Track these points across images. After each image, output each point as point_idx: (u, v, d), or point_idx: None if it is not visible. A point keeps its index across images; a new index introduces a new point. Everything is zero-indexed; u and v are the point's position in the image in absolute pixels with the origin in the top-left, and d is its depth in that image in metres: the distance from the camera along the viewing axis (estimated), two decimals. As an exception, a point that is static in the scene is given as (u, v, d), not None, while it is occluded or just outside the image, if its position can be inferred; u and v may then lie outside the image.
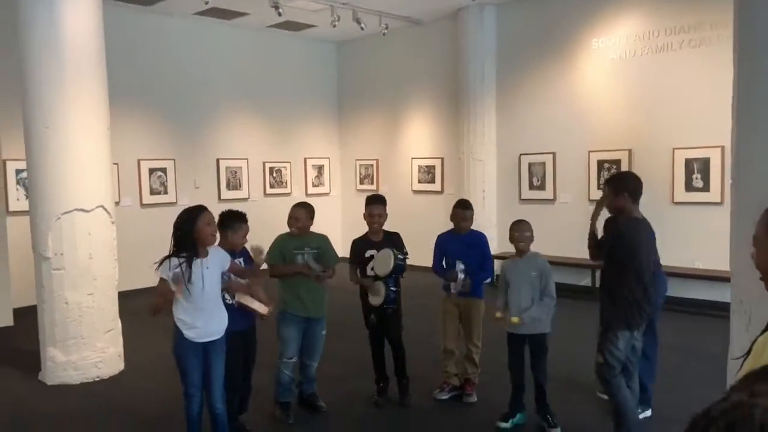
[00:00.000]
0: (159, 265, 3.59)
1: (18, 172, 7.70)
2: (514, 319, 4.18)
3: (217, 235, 3.82)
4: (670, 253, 7.63)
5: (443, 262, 4.89)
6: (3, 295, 7.07)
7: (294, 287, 4.48)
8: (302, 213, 4.53)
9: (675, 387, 4.90)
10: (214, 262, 3.70)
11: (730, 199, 2.28)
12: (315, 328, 4.61)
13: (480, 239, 4.94)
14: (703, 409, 0.66)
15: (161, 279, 3.58)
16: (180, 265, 3.52)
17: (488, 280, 5.03)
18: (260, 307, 4.06)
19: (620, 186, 4.04)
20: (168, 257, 3.60)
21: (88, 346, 5.41)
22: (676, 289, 7.56)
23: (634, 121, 8.06)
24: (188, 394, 3.73)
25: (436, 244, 4.98)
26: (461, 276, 4.66)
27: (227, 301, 3.93)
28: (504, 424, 4.36)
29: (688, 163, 7.58)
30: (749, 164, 1.94)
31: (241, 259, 4.12)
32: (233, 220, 4.11)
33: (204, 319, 3.64)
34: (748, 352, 1.47)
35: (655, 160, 7.84)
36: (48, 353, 5.38)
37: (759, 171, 1.87)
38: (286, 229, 4.66)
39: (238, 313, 3.98)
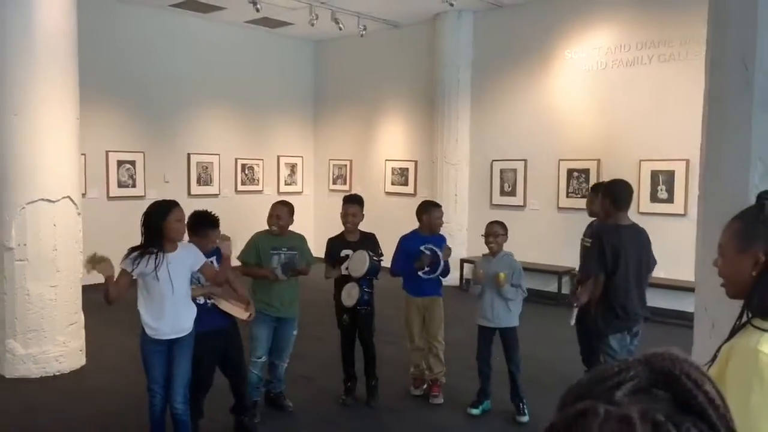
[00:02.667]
0: (126, 256, 3.54)
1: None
2: (501, 275, 4.39)
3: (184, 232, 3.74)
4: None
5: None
6: (-40, 286, 6.85)
7: (266, 287, 4.45)
8: (284, 211, 4.50)
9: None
10: (183, 258, 3.64)
11: (697, 209, 2.37)
12: (286, 329, 4.59)
13: (442, 240, 5.00)
14: (556, 426, 0.68)
15: (122, 269, 3.53)
16: (141, 254, 3.48)
17: (446, 277, 5.08)
18: (240, 314, 4.02)
19: (606, 192, 4.19)
20: (134, 249, 3.55)
21: (49, 340, 5.29)
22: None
23: (604, 131, 8.23)
24: (150, 390, 3.69)
25: (399, 244, 5.00)
26: (434, 252, 4.73)
27: (198, 301, 3.87)
28: (475, 411, 4.63)
29: (654, 174, 7.78)
30: (716, 176, 2.02)
31: (213, 258, 4.00)
32: (203, 226, 3.97)
33: (166, 316, 3.58)
34: (713, 359, 1.53)
35: (622, 170, 7.99)
36: (7, 345, 5.24)
37: (725, 183, 1.94)
38: (257, 227, 4.64)
39: (210, 312, 3.93)
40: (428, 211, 4.98)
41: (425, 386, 5.03)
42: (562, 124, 8.64)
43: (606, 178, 8.11)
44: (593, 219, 5.04)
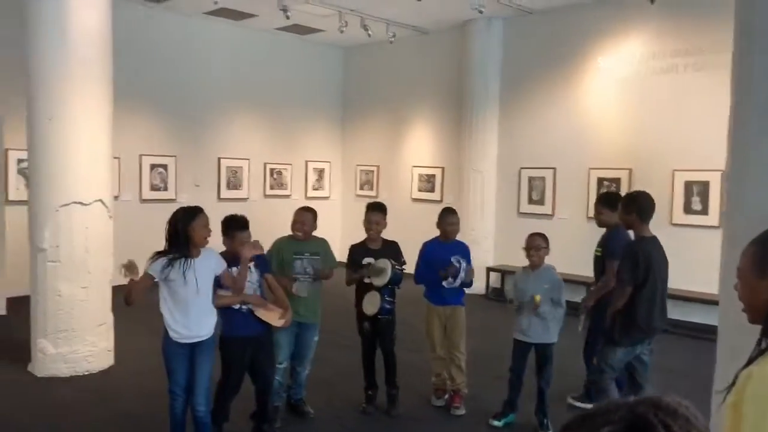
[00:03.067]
0: (152, 260, 3.61)
1: (19, 161, 7.71)
2: (537, 297, 4.33)
3: (208, 238, 3.75)
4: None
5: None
6: (-3, 284, 7.07)
7: (285, 293, 4.42)
8: (309, 217, 4.53)
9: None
10: (206, 263, 3.69)
11: (722, 227, 2.30)
12: (307, 334, 4.60)
13: (465, 248, 4.95)
14: None
15: (146, 273, 3.60)
16: (170, 262, 3.54)
17: (469, 288, 5.04)
18: (274, 320, 4.04)
19: (629, 204, 4.18)
20: (160, 253, 3.62)
21: (79, 340, 5.41)
22: (671, 312, 7.56)
23: (636, 141, 8.08)
24: (172, 393, 3.76)
25: (420, 252, 4.98)
26: (460, 265, 4.70)
27: (234, 306, 3.92)
28: (497, 423, 4.56)
29: (688, 185, 7.60)
30: (741, 194, 1.96)
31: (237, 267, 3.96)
32: (231, 228, 4.02)
33: (189, 319, 3.64)
34: (732, 384, 1.48)
35: (654, 180, 7.85)
36: (38, 345, 5.37)
37: (750, 201, 1.88)
38: (284, 231, 4.66)
39: (246, 318, 3.96)
40: (442, 217, 4.97)
41: (447, 396, 4.99)
42: (592, 132, 8.51)
43: (637, 188, 7.97)
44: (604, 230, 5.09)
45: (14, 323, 6.60)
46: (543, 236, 4.55)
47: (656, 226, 8.07)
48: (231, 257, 3.92)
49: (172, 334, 3.67)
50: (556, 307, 4.42)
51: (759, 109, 1.87)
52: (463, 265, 4.75)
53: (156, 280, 3.62)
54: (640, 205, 4.12)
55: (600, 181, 8.40)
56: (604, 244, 4.93)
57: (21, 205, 6.39)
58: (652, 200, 4.25)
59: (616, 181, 8.21)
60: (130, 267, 3.58)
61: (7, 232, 7.19)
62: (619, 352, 4.04)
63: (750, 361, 1.45)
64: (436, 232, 5.05)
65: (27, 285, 5.59)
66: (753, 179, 1.89)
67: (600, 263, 4.96)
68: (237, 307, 3.94)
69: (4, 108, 7.11)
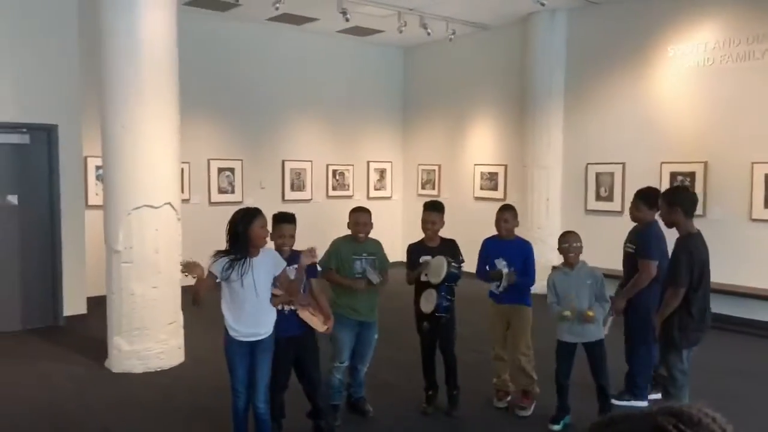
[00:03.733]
0: (214, 259, 3.72)
1: (97, 168, 8.15)
2: (590, 312, 4.27)
3: (267, 238, 3.85)
4: (745, 271, 7.23)
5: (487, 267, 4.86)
6: (78, 284, 7.50)
7: (347, 291, 4.49)
8: (369, 218, 4.56)
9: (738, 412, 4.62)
10: (265, 263, 3.77)
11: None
12: (368, 333, 4.63)
13: (522, 248, 4.85)
14: None
15: (209, 272, 3.71)
16: (231, 263, 3.64)
17: (532, 286, 4.93)
18: (318, 326, 4.09)
19: (674, 200, 4.01)
20: (221, 253, 3.73)
21: (151, 337, 5.66)
22: (749, 310, 7.13)
23: (711, 132, 7.66)
24: (234, 390, 3.86)
25: (480, 248, 4.94)
26: (506, 270, 4.66)
27: (278, 308, 3.98)
28: (556, 427, 4.48)
29: (769, 178, 7.13)
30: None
31: (294, 266, 4.05)
32: (276, 221, 4.11)
33: (248, 318, 3.74)
34: None
35: (732, 174, 7.43)
36: (114, 342, 5.66)
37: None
38: (347, 231, 4.71)
39: (288, 319, 4.02)
40: (497, 213, 4.90)
41: (509, 398, 4.90)
42: (664, 125, 8.13)
43: (714, 182, 7.58)
44: (636, 224, 5.00)
45: (93, 322, 6.98)
46: (576, 234, 4.50)
47: (734, 222, 7.71)
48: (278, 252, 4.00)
49: (232, 332, 3.78)
50: (602, 302, 4.36)
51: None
52: (505, 270, 4.65)
53: (218, 279, 3.73)
54: (684, 201, 3.97)
55: (673, 175, 8.01)
56: (637, 241, 4.80)
57: (99, 209, 6.74)
58: (695, 195, 4.17)
59: (691, 175, 7.81)
60: (188, 266, 3.69)
61: (87, 235, 7.61)
62: (683, 354, 3.91)
63: None
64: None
65: (105, 285, 5.90)
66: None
67: (631, 260, 4.82)
68: (280, 307, 3.99)
69: (83, 117, 7.54)
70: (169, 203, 5.73)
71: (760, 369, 5.82)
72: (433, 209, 4.75)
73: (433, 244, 4.73)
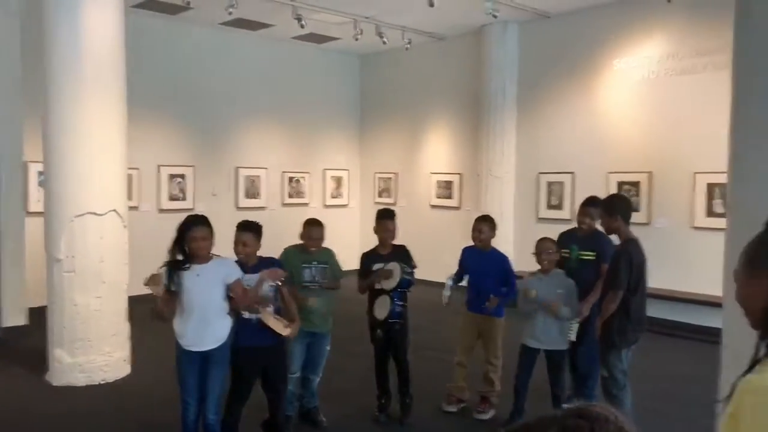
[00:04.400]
0: (162, 269, 3.63)
1: (40, 173, 7.84)
2: (554, 304, 4.30)
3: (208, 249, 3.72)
4: (688, 278, 7.48)
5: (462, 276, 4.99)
6: (17, 295, 7.20)
7: (303, 306, 4.39)
8: (321, 231, 4.54)
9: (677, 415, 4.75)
10: (213, 272, 3.68)
11: (726, 227, 2.22)
12: (319, 343, 4.60)
13: (501, 258, 4.93)
14: None
15: (164, 286, 3.61)
16: (172, 272, 3.57)
17: (513, 299, 4.99)
18: (280, 329, 3.99)
19: (615, 208, 4.17)
20: (170, 262, 3.63)
21: (94, 349, 5.46)
22: (692, 315, 7.36)
23: (656, 143, 7.93)
24: (183, 401, 3.76)
25: (460, 256, 5.07)
26: (449, 283, 4.82)
27: (245, 316, 3.91)
28: None
29: (710, 187, 7.41)
30: (742, 193, 1.88)
31: (253, 276, 3.96)
32: (237, 229, 4.05)
33: (195, 328, 3.65)
34: (731, 394, 1.40)
35: (676, 183, 7.69)
36: (55, 354, 5.44)
37: (751, 201, 1.80)
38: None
39: (255, 328, 3.94)
40: (474, 223, 5.00)
41: (461, 405, 4.93)
42: (611, 136, 8.38)
43: (658, 191, 7.84)
44: (571, 230, 5.00)
45: (34, 333, 6.69)
46: (553, 240, 4.52)
47: (677, 230, 7.95)
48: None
49: (182, 342, 3.69)
50: (572, 309, 4.40)
51: (757, 105, 1.79)
52: (449, 283, 4.83)
53: (173, 289, 3.63)
54: (624, 209, 4.16)
55: (620, 184, 8.24)
56: (597, 248, 4.73)
57: (40, 216, 6.48)
58: (632, 202, 4.38)
59: (636, 184, 8.05)
60: (153, 278, 3.59)
61: (28, 243, 7.31)
62: (623, 354, 4.05)
63: (749, 369, 1.37)
64: (455, 238, 5.04)
65: (46, 295, 5.66)
66: (754, 179, 1.82)
67: (590, 267, 4.74)
68: (248, 316, 3.92)
69: (25, 121, 7.26)
70: (115, 210, 5.56)
71: (701, 373, 6.00)
72: (385, 217, 4.79)
73: (386, 251, 4.75)
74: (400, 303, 4.64)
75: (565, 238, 4.82)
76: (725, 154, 7.23)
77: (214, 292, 3.70)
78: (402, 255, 4.73)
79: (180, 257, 3.67)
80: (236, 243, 4.04)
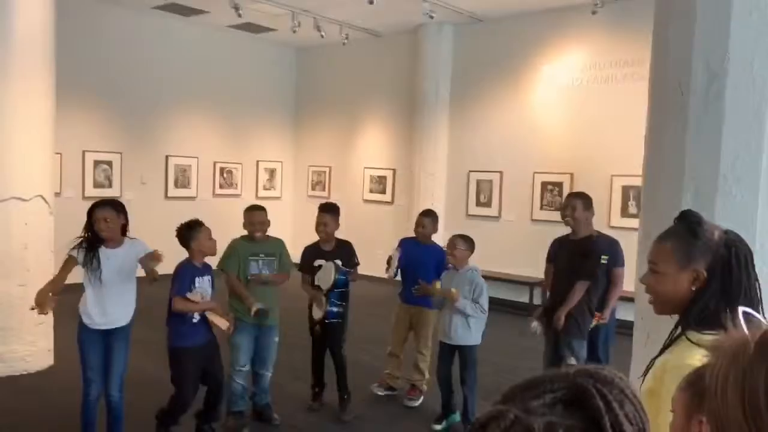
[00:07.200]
0: (74, 247, 3.74)
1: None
2: (453, 290, 4.36)
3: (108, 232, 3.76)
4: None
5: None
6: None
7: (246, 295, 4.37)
8: (264, 216, 4.47)
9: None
10: (123, 254, 3.75)
11: (639, 222, 2.48)
12: (267, 336, 4.52)
13: (439, 252, 4.98)
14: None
15: (70, 256, 3.72)
16: (82, 252, 3.67)
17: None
18: (222, 323, 4.00)
19: (590, 204, 4.43)
20: (82, 240, 3.73)
21: (16, 339, 5.25)
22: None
23: (577, 146, 8.39)
24: (85, 379, 3.82)
25: (397, 245, 5.13)
26: (395, 262, 4.84)
27: (190, 316, 3.91)
28: (438, 426, 4.59)
29: (625, 189, 7.94)
30: (654, 194, 2.13)
31: (208, 277, 4.03)
32: (190, 230, 4.01)
33: (101, 306, 3.74)
34: (647, 371, 1.60)
35: (594, 185, 8.13)
36: (-27, 344, 5.18)
37: (661, 200, 2.04)
38: (234, 231, 4.64)
39: (198, 328, 3.95)
40: (418, 217, 5.13)
41: (392, 392, 5.08)
42: (537, 138, 8.79)
43: (581, 190, 8.28)
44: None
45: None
46: (464, 237, 4.55)
47: (596, 228, 8.38)
48: (202, 262, 4.00)
49: (86, 320, 3.76)
50: (477, 310, 4.41)
51: (670, 115, 2.03)
52: (394, 264, 4.86)
53: (78, 264, 3.71)
54: (591, 205, 4.46)
55: (544, 185, 8.68)
56: (608, 252, 4.57)
57: (-45, 200, 6.13)
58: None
59: (559, 185, 8.50)
60: (42, 305, 3.58)
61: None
62: (584, 343, 4.33)
63: (665, 348, 1.57)
64: (388, 233, 5.16)
65: (-39, 283, 5.38)
66: (666, 181, 2.06)
67: (603, 272, 4.56)
68: (192, 316, 3.93)
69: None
70: (41, 196, 5.35)
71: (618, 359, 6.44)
72: (326, 211, 4.75)
73: (329, 247, 4.73)
74: (338, 303, 4.58)
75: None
76: (640, 158, 7.77)
77: (122, 273, 3.77)
78: (344, 251, 4.73)
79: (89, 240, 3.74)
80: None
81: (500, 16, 8.99)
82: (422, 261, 4.93)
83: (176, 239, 4.05)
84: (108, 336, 3.79)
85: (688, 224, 1.58)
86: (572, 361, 4.20)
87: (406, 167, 10.11)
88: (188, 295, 3.87)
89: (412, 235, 5.19)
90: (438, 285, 4.44)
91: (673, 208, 1.66)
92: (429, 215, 5.11)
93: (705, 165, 2.01)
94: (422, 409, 4.95)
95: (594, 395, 0.72)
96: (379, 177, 10.78)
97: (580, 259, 4.28)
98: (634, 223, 7.76)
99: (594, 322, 4.44)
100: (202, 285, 3.97)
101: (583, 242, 4.35)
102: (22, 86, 5.17)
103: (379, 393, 5.06)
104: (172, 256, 3.93)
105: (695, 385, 1.05)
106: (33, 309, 3.61)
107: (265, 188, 11.57)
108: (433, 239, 5.17)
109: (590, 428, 0.70)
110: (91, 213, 3.74)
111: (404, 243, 5.15)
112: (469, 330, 4.44)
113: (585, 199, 4.43)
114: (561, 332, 4.26)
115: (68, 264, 3.74)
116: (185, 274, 3.93)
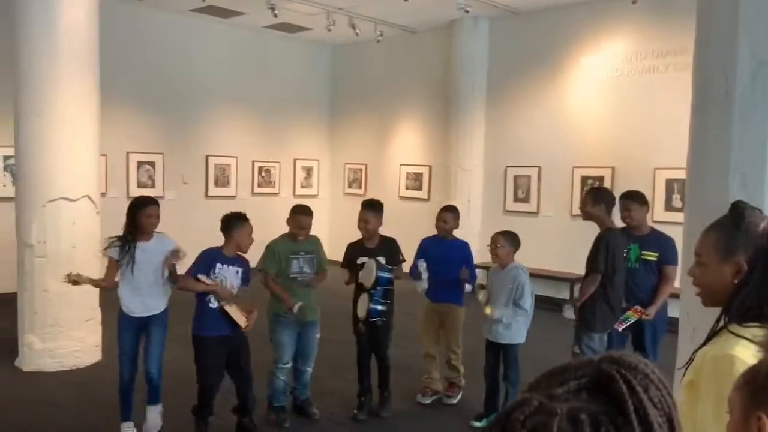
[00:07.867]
0: (110, 244, 4.07)
1: (6, 158, 7.70)
2: (488, 309, 4.40)
3: (156, 224, 4.14)
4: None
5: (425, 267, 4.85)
6: (-17, 281, 7.06)
7: (288, 291, 4.40)
8: (311, 222, 4.50)
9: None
10: (155, 247, 4.05)
11: (684, 218, 2.41)
12: (309, 333, 4.55)
13: (463, 247, 4.97)
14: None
15: (110, 259, 4.09)
16: (117, 246, 4.01)
17: (470, 288, 5.11)
18: (240, 319, 4.05)
19: (600, 198, 4.38)
20: (116, 238, 4.05)
21: (66, 335, 5.44)
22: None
23: (619, 139, 8.21)
24: (120, 361, 4.14)
25: (418, 247, 5.01)
26: (424, 274, 4.71)
27: (211, 305, 4.00)
28: (477, 423, 4.57)
29: (669, 183, 7.73)
30: (699, 185, 2.06)
31: (237, 269, 4.12)
32: (236, 220, 4.14)
33: (138, 295, 4.05)
34: (689, 362, 1.57)
35: (636, 178, 7.96)
36: (25, 340, 5.40)
37: (707, 192, 1.98)
38: (272, 228, 4.69)
39: (220, 318, 4.02)
40: (438, 213, 5.06)
41: (435, 397, 5.00)
42: (576, 132, 8.63)
43: (620, 186, 8.09)
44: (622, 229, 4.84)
45: (4, 319, 6.57)
46: (506, 235, 4.51)
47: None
48: (235, 254, 4.16)
49: (125, 309, 4.07)
50: (517, 309, 4.36)
51: (715, 105, 1.97)
52: (424, 276, 4.71)
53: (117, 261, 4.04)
54: (608, 200, 4.39)
55: (584, 179, 8.52)
56: (659, 250, 4.54)
57: (8, 202, 6.40)
58: (614, 195, 4.55)
59: (600, 179, 8.32)
60: (79, 278, 4.00)
61: (-5, 228, 7.17)
62: (596, 337, 4.23)
63: (707, 340, 1.54)
64: (424, 230, 5.12)
65: (14, 281, 5.60)
66: (711, 175, 2.00)
67: (653, 269, 4.55)
68: (214, 306, 4.01)
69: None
70: (88, 196, 5.52)
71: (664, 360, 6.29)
72: (368, 208, 4.70)
73: (371, 245, 4.69)
74: (382, 301, 4.50)
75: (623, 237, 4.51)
76: (685, 151, 7.56)
77: (155, 266, 4.07)
78: (388, 248, 4.67)
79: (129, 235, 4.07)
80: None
81: (537, 8, 8.85)
82: (448, 257, 4.83)
83: (218, 233, 4.19)
84: (146, 322, 4.11)
85: (733, 215, 1.53)
86: (576, 350, 4.27)
87: (442, 164, 10.06)
88: (200, 276, 3.98)
89: (428, 233, 5.11)
90: (488, 310, 4.42)
91: (718, 200, 1.62)
92: (451, 210, 5.03)
93: (751, 154, 1.94)
94: (460, 405, 4.92)
95: (617, 380, 0.72)
96: (415, 174, 10.75)
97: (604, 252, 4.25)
98: (679, 217, 7.60)
99: (634, 317, 4.34)
100: (224, 273, 4.05)
101: (602, 236, 4.27)
102: (69, 90, 5.35)
103: (427, 401, 4.96)
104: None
105: (752, 383, 1.02)
106: (67, 275, 4.01)
107: (302, 186, 11.69)
108: (454, 234, 5.07)
109: (614, 413, 0.70)
110: (138, 208, 4.05)
111: (426, 243, 5.04)
112: (509, 329, 4.43)
113: (638, 199, 4.60)
114: (575, 325, 4.39)
115: (111, 264, 4.11)
116: (207, 257, 4.08)
